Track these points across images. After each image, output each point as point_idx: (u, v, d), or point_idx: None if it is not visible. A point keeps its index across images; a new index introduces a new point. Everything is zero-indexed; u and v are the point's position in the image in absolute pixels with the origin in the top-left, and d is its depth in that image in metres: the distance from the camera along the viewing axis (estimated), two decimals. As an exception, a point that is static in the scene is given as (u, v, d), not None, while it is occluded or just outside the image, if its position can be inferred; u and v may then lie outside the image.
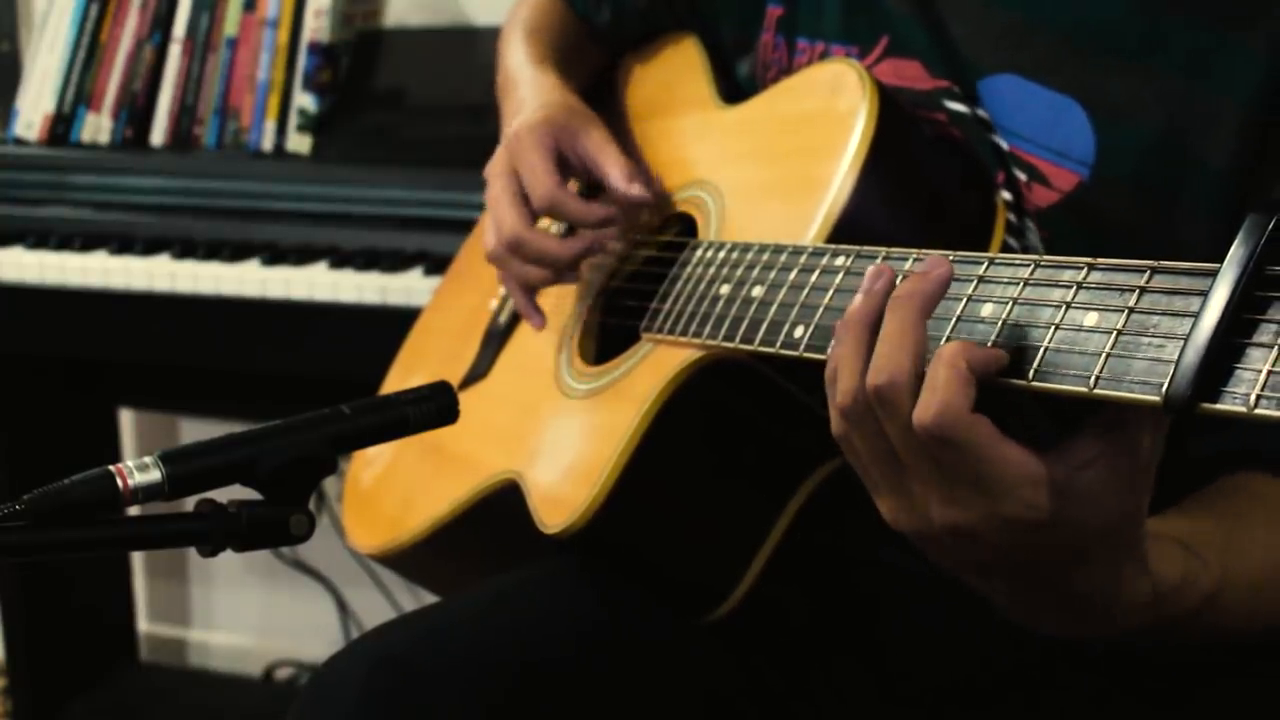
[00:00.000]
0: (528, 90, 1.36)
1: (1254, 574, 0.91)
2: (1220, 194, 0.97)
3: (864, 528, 1.14)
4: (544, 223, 1.29)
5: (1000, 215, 1.05)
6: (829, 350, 0.85)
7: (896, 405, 0.80)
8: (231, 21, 2.36)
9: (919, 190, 1.07)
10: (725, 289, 1.05)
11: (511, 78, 1.42)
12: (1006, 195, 1.06)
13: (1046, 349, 0.77)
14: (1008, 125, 1.06)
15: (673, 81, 1.40)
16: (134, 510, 0.82)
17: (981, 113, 1.08)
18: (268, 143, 2.33)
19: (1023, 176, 1.05)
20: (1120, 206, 1.01)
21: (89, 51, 2.40)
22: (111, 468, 0.80)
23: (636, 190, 1.22)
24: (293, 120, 2.32)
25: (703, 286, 1.08)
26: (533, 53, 1.42)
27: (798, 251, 1.00)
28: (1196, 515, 0.93)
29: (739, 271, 1.05)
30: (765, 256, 1.03)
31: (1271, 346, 0.67)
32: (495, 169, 1.29)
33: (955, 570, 0.86)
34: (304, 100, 2.31)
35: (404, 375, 1.53)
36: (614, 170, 1.24)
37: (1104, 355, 0.74)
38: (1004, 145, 1.06)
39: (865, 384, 0.81)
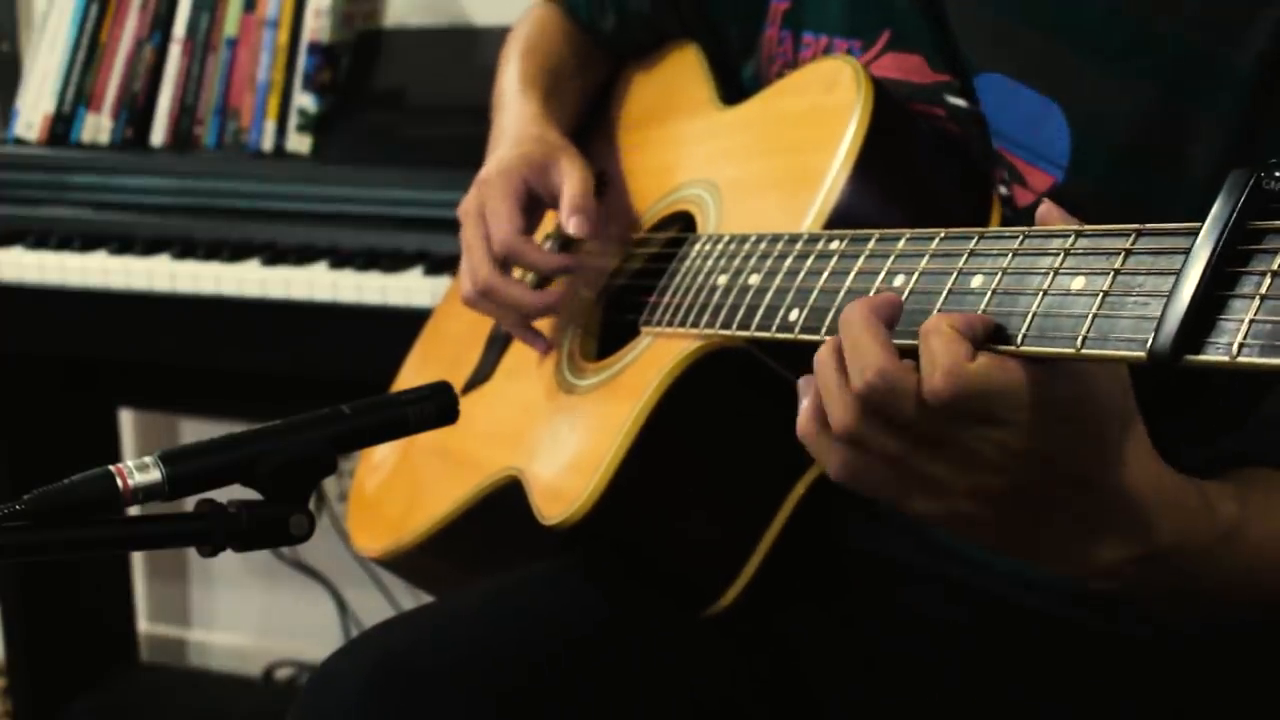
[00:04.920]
0: (509, 119, 1.38)
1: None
2: (1193, 208, 0.95)
3: (863, 520, 1.15)
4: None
5: (996, 211, 1.06)
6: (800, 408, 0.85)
7: (895, 392, 0.79)
8: (231, 21, 2.36)
9: (913, 185, 1.07)
10: (722, 279, 1.06)
11: (499, 101, 1.43)
12: (1004, 190, 1.06)
13: (1035, 314, 0.78)
14: (994, 125, 1.06)
15: (673, 87, 1.41)
16: (134, 510, 0.83)
17: (979, 109, 1.08)
18: (268, 143, 2.32)
19: (1005, 176, 1.05)
20: (1093, 211, 0.99)
21: (89, 51, 2.40)
22: (111, 468, 0.80)
23: (573, 224, 1.23)
24: (293, 120, 2.31)
25: (700, 278, 1.09)
26: (523, 75, 1.43)
27: (793, 239, 1.01)
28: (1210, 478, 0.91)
29: (735, 261, 1.06)
30: (761, 246, 1.04)
31: (1253, 297, 0.68)
32: (468, 210, 1.29)
33: (976, 533, 0.85)
34: (304, 100, 2.31)
35: (412, 378, 1.53)
36: (565, 196, 1.25)
37: (1090, 316, 0.75)
38: (993, 144, 1.06)
39: (853, 397, 0.80)
